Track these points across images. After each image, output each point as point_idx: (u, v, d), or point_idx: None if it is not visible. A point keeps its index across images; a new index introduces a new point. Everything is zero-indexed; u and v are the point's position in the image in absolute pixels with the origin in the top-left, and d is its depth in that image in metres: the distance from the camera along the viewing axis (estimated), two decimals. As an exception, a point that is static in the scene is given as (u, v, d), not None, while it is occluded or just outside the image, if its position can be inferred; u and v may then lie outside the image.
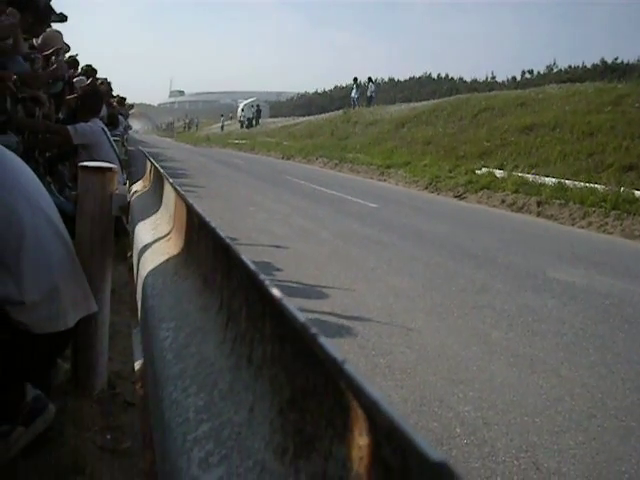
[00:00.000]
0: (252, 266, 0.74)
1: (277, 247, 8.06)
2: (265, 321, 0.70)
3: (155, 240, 1.74)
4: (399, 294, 6.12)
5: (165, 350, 0.97)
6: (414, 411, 3.61)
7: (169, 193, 1.88)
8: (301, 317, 0.58)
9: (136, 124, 61.35)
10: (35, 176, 2.82)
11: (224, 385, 0.76)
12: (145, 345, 1.25)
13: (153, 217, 2.10)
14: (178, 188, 1.45)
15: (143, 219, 2.27)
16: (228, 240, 0.86)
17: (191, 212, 1.23)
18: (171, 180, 1.60)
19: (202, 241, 1.12)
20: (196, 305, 1.05)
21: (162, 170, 2.17)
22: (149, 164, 3.00)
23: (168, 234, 1.66)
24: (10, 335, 2.42)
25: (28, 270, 2.44)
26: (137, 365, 1.67)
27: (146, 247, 1.76)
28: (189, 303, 1.08)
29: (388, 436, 0.44)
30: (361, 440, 0.47)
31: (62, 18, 7.73)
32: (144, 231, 2.00)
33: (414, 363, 4.33)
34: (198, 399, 0.77)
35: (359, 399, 0.48)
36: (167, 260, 1.46)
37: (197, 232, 1.18)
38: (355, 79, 40.53)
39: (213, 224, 0.99)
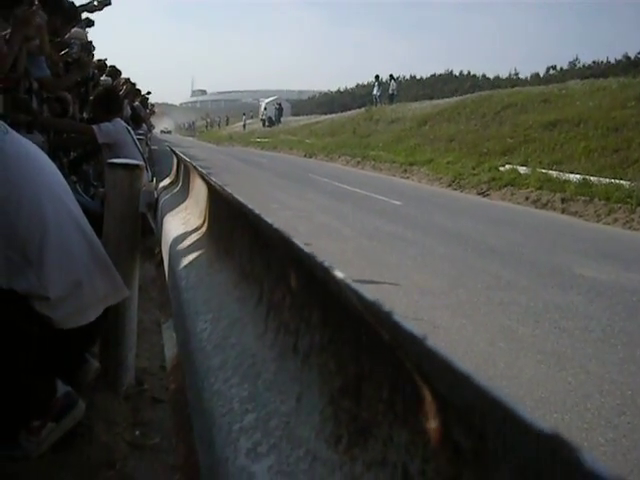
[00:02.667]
0: (305, 250, 0.73)
1: (300, 244, 8.04)
2: (312, 309, 0.69)
3: (186, 234, 1.74)
4: (424, 291, 6.10)
5: (204, 341, 0.96)
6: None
7: (199, 187, 1.88)
8: (368, 297, 0.57)
9: (157, 124, 59.88)
10: (59, 172, 2.84)
11: (268, 375, 0.75)
12: (180, 338, 1.24)
13: (182, 212, 2.10)
14: (213, 180, 1.44)
15: (171, 214, 2.27)
16: (277, 226, 0.85)
17: (229, 202, 1.22)
18: (204, 172, 1.59)
19: (238, 232, 1.10)
20: (233, 297, 1.04)
21: (192, 163, 2.17)
22: (175, 160, 3.00)
23: (200, 228, 1.65)
24: (37, 328, 2.43)
25: (51, 265, 2.45)
26: (169, 359, 1.66)
27: (177, 242, 1.76)
28: (226, 295, 1.08)
29: (463, 416, 0.43)
30: (429, 423, 0.46)
31: (89, 23, 7.80)
32: (173, 226, 2.00)
33: (441, 360, 4.30)
34: (242, 390, 0.76)
35: (427, 378, 0.47)
36: (200, 254, 1.45)
37: (234, 222, 1.17)
38: (377, 77, 40.37)
39: (256, 211, 0.97)
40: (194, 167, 1.95)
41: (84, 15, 7.51)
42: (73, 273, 2.55)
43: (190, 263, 1.45)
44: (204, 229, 1.56)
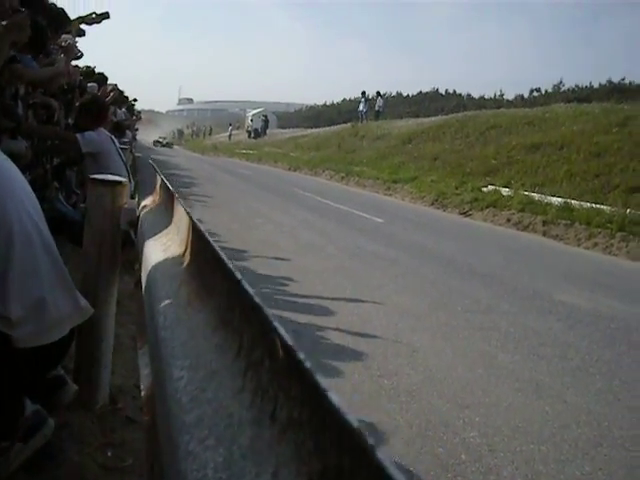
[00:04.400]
0: (281, 330, 0.70)
1: (282, 260, 8.03)
2: (292, 381, 0.66)
3: (166, 263, 1.71)
4: (405, 312, 6.08)
5: (180, 392, 0.94)
6: (419, 436, 3.57)
7: (181, 215, 1.85)
8: (338, 403, 0.55)
9: (145, 131, 62.41)
10: (27, 183, 2.78)
11: (244, 441, 0.73)
12: (156, 378, 1.22)
13: (163, 237, 2.07)
14: (195, 220, 1.41)
15: (152, 237, 2.24)
16: (251, 292, 0.82)
17: (206, 247, 1.19)
18: (188, 210, 1.57)
19: (219, 276, 1.08)
20: (211, 343, 1.02)
21: (173, 189, 2.14)
22: (159, 179, 2.97)
23: (180, 258, 1.62)
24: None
25: (14, 282, 2.38)
26: (144, 389, 1.63)
27: (156, 269, 1.73)
28: (204, 340, 1.05)
29: None
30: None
31: (80, 33, 7.76)
32: (154, 251, 1.97)
33: (419, 385, 4.29)
34: (217, 454, 0.74)
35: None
36: (179, 287, 1.42)
37: (212, 267, 1.15)
38: (363, 93, 40.46)
39: (231, 266, 0.95)
40: (177, 198, 1.92)
41: (82, 41, 7.50)
42: (37, 291, 2.49)
43: (169, 296, 1.43)
44: (185, 261, 1.53)
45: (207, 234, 1.21)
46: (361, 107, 39.53)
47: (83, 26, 7.34)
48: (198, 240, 1.36)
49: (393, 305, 6.31)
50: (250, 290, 0.82)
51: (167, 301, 1.39)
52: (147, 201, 3.21)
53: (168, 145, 69.65)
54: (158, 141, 71.09)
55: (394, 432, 3.58)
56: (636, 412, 4.24)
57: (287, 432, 0.66)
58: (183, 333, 1.15)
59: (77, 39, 7.65)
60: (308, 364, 0.62)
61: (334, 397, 0.56)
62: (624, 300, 7.78)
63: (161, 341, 1.21)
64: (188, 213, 1.54)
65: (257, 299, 0.79)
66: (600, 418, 4.06)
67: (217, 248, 1.08)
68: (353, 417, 0.53)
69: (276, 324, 0.72)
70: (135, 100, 19.28)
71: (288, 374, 0.68)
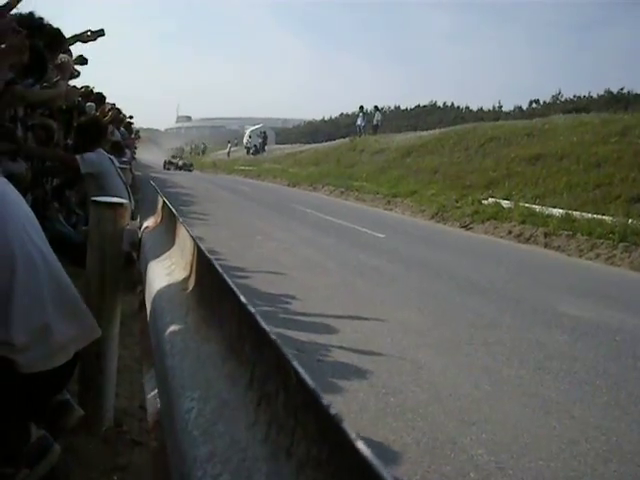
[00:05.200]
0: (296, 365, 0.68)
1: (284, 277, 8.01)
2: (310, 415, 0.64)
3: (170, 287, 1.69)
4: (408, 329, 6.06)
5: (191, 424, 0.92)
6: (427, 454, 3.54)
7: (184, 237, 1.83)
8: (362, 447, 0.53)
9: (143, 150, 50.46)
10: (28, 207, 2.76)
11: (260, 477, 0.71)
12: (166, 409, 1.19)
13: (167, 260, 2.05)
14: (201, 245, 1.39)
15: (155, 259, 2.22)
16: (262, 323, 0.81)
17: (214, 274, 1.17)
18: (192, 234, 1.55)
19: (227, 305, 1.06)
20: (221, 373, 0.99)
21: (175, 211, 2.13)
22: (160, 200, 2.96)
23: (185, 283, 1.61)
24: (3, 372, 2.35)
25: (18, 308, 2.36)
26: (150, 416, 1.60)
27: (161, 294, 1.71)
28: (214, 370, 1.03)
29: None
30: None
31: (82, 61, 7.76)
32: (158, 275, 1.95)
33: (425, 403, 4.26)
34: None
35: None
36: (186, 313, 1.40)
37: (219, 294, 1.13)
38: (361, 107, 40.54)
39: (243, 298, 0.93)
40: (181, 222, 1.90)
41: (78, 52, 7.49)
42: (41, 317, 2.46)
43: (174, 322, 1.41)
44: (190, 286, 1.51)
45: (215, 261, 1.19)
46: (359, 121, 39.56)
47: (78, 45, 7.30)
48: (203, 265, 1.34)
49: (396, 321, 6.28)
50: (263, 324, 0.80)
51: (173, 327, 1.37)
52: (149, 222, 3.19)
53: (186, 167, 52.72)
54: (171, 162, 55.13)
55: (401, 451, 3.55)
56: (644, 426, 4.21)
57: (306, 469, 0.64)
58: (192, 362, 1.13)
59: (80, 67, 7.65)
60: (325, 401, 0.60)
61: (353, 435, 0.54)
62: (628, 311, 7.75)
63: (169, 369, 1.19)
64: (193, 238, 1.52)
65: (271, 335, 0.77)
66: (609, 433, 4.03)
67: (227, 277, 1.06)
68: (374, 458, 0.51)
69: (290, 357, 0.70)
70: (131, 117, 19.23)
71: (304, 409, 0.66)
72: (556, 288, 9.13)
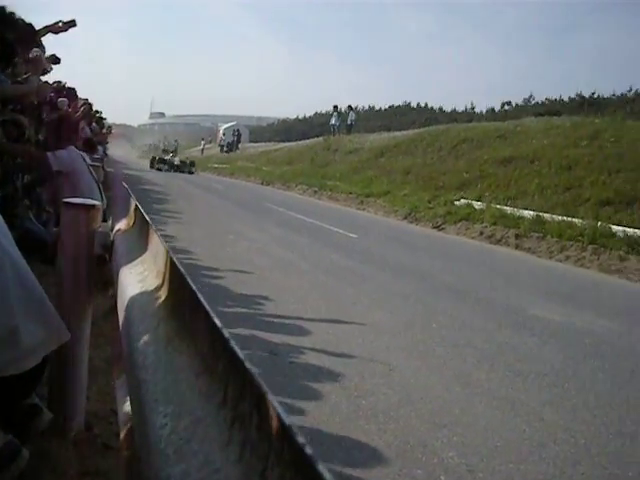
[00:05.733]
0: (268, 393, 0.68)
1: (257, 278, 7.99)
2: (284, 444, 0.64)
3: (143, 295, 1.68)
4: (380, 331, 6.07)
5: (164, 441, 0.91)
6: (398, 457, 3.55)
7: (157, 243, 1.82)
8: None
9: (116, 146, 45.29)
10: None
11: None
12: (139, 423, 1.19)
13: (139, 265, 2.04)
14: (173, 256, 1.39)
15: (127, 264, 2.20)
16: (236, 348, 0.80)
17: (187, 288, 1.17)
18: (165, 245, 1.54)
19: (200, 318, 1.06)
20: (194, 389, 0.99)
21: (149, 220, 2.11)
22: (133, 203, 2.93)
23: (157, 291, 1.60)
24: None
25: None
26: (122, 425, 1.60)
27: (133, 301, 1.70)
28: (186, 385, 1.03)
29: None
30: None
31: (55, 60, 7.68)
32: (130, 281, 1.94)
33: (397, 405, 4.28)
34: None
35: None
36: (158, 324, 1.40)
37: (192, 307, 1.12)
38: (335, 107, 40.50)
39: (217, 320, 0.93)
40: (154, 230, 1.89)
41: (50, 52, 7.41)
42: (9, 320, 2.44)
43: (146, 332, 1.40)
44: (162, 296, 1.50)
45: (187, 276, 1.19)
46: (333, 121, 39.54)
47: (49, 36, 7.21)
48: (177, 277, 1.33)
49: (368, 323, 6.29)
50: (237, 350, 0.80)
51: (146, 337, 1.37)
52: (121, 224, 3.17)
53: (185, 167, 40.44)
54: (162, 160, 42.26)
55: (373, 454, 3.56)
56: (612, 428, 4.25)
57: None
58: (165, 375, 1.13)
59: (52, 66, 7.57)
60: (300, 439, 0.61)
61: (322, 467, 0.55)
62: (597, 313, 7.85)
63: (141, 381, 1.18)
64: (167, 249, 1.51)
65: (241, 355, 0.77)
66: (577, 435, 4.07)
67: (200, 296, 1.06)
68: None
69: (260, 382, 0.70)
70: (99, 112, 19.00)
71: (278, 435, 0.66)
72: (526, 290, 9.21)
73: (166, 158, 42.61)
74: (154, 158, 43.60)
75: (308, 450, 0.57)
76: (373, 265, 9.96)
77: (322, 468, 0.54)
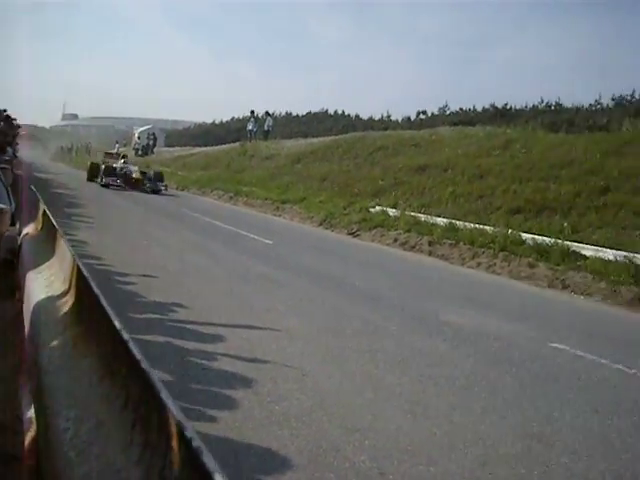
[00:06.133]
0: (169, 398, 0.69)
1: (171, 284, 7.91)
2: (182, 444, 0.65)
3: (50, 300, 1.66)
4: (294, 336, 6.09)
5: (67, 445, 0.91)
6: (310, 462, 3.57)
7: (64, 249, 1.80)
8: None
9: (26, 148, 45.04)
10: None
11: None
12: (42, 428, 1.17)
13: (46, 271, 2.01)
14: (79, 262, 1.38)
15: (35, 269, 2.17)
16: (135, 351, 0.81)
17: (91, 293, 1.16)
18: (72, 251, 1.53)
19: (103, 325, 1.05)
20: (97, 393, 0.99)
21: (57, 226, 2.08)
22: (41, 207, 2.88)
23: (64, 296, 1.58)
24: None
25: None
26: (27, 434, 1.57)
27: (39, 307, 1.68)
28: (90, 388, 1.02)
29: None
30: None
31: None
32: (36, 286, 1.91)
33: (309, 410, 4.30)
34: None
35: None
36: (64, 328, 1.38)
37: (97, 313, 1.12)
38: (252, 112, 40.33)
39: (118, 325, 0.93)
40: (60, 235, 1.87)
41: None
42: None
43: (52, 335, 1.38)
44: (69, 301, 1.49)
45: (92, 281, 1.18)
46: (250, 126, 39.31)
47: None
48: (82, 283, 1.32)
49: (282, 329, 6.30)
50: (136, 353, 0.81)
51: (51, 342, 1.35)
52: (29, 228, 3.11)
53: (151, 183, 26.55)
54: (112, 171, 26.72)
55: (285, 459, 3.57)
56: (518, 430, 4.38)
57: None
58: (69, 380, 1.12)
59: None
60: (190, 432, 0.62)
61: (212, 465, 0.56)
62: (506, 319, 8.05)
63: (45, 386, 1.17)
64: (74, 256, 1.50)
65: (143, 364, 0.78)
66: (485, 437, 4.17)
67: (103, 301, 1.05)
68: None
69: (161, 385, 0.71)
70: (5, 111, 18.35)
71: (177, 436, 0.67)
72: (439, 296, 9.38)
73: (118, 168, 27.14)
74: (94, 166, 28.98)
75: (203, 449, 0.58)
76: (288, 271, 9.98)
77: (214, 466, 0.55)
